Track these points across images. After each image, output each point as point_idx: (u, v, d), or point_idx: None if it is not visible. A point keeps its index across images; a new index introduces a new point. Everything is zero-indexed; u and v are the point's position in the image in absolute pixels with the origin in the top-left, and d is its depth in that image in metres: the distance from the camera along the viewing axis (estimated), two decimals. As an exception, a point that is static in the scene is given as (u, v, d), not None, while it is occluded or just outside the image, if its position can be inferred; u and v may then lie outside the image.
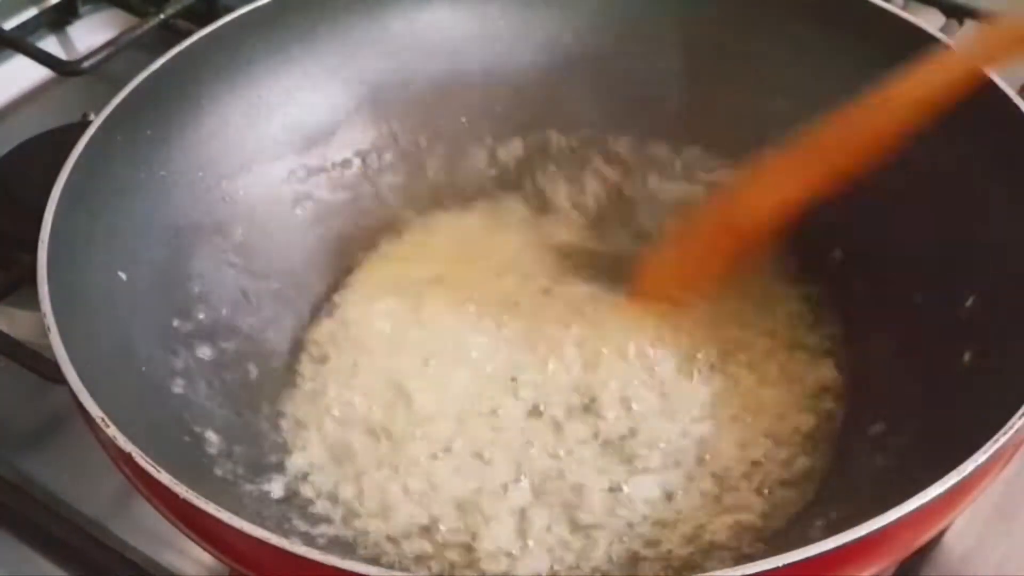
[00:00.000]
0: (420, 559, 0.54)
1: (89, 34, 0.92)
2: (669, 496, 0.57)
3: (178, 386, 0.58)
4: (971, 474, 0.43)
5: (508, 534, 0.55)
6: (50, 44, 0.91)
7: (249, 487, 0.55)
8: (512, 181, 0.72)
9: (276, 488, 0.57)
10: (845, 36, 0.66)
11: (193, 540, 0.46)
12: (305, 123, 0.70)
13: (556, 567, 0.54)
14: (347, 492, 0.57)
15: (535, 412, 0.60)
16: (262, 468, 0.58)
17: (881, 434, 0.57)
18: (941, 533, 0.57)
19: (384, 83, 0.71)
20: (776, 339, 0.64)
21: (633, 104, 0.72)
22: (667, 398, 0.60)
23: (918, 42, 0.62)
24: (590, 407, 0.60)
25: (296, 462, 0.59)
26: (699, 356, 0.62)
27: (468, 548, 0.55)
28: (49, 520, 0.60)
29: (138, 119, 0.61)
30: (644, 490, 0.57)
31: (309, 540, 0.53)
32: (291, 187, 0.69)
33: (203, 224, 0.64)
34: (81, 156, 0.57)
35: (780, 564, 0.40)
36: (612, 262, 0.68)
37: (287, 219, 0.68)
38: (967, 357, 0.55)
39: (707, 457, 0.58)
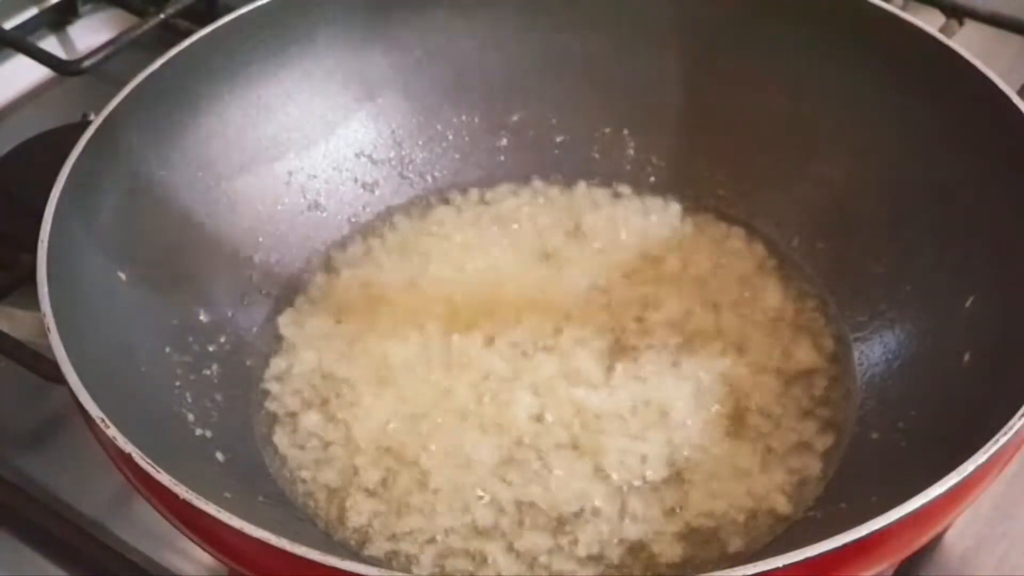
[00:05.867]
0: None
1: (89, 34, 0.92)
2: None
3: (178, 386, 0.58)
4: (971, 474, 0.43)
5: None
6: (50, 44, 0.91)
7: (248, 485, 0.56)
8: (511, 181, 0.73)
9: (273, 485, 0.57)
10: (845, 36, 0.66)
11: (193, 540, 0.46)
12: (304, 123, 0.70)
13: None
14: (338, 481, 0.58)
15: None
16: (262, 466, 0.58)
17: (882, 435, 0.57)
18: (941, 533, 0.57)
19: (383, 83, 0.71)
20: (776, 339, 0.64)
21: (633, 104, 0.72)
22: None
23: (918, 42, 0.63)
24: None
25: (293, 458, 0.59)
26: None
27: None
28: (49, 520, 0.60)
29: (138, 119, 0.61)
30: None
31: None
32: (290, 187, 0.69)
33: (202, 224, 0.64)
34: (81, 156, 0.57)
35: (780, 564, 0.40)
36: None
37: (286, 219, 0.68)
38: (967, 357, 0.55)
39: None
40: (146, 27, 0.82)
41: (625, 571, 0.54)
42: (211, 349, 0.61)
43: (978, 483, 0.45)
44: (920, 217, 0.62)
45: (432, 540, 0.55)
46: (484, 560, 0.55)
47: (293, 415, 0.61)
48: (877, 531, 0.41)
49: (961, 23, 0.83)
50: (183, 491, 0.44)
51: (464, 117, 0.73)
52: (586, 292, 0.66)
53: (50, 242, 0.53)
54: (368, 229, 0.70)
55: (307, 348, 0.64)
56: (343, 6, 0.69)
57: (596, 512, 0.56)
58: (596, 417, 0.60)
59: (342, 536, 0.56)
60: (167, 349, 0.59)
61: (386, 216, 0.71)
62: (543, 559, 0.54)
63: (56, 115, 0.80)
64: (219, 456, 0.56)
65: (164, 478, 0.45)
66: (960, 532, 0.59)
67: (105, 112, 0.60)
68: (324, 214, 0.70)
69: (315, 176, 0.70)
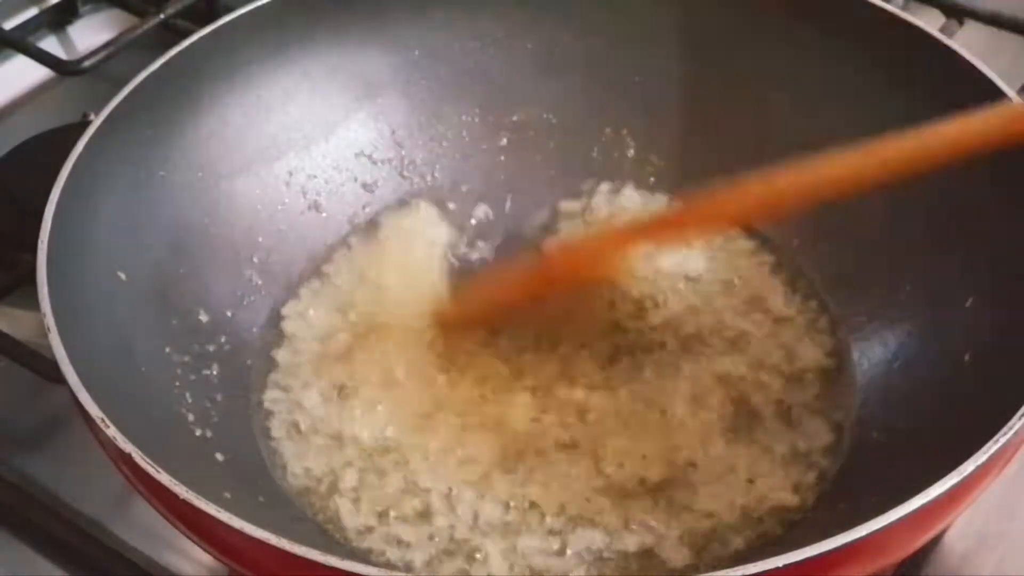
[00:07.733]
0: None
1: (89, 34, 0.92)
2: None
3: (178, 386, 0.58)
4: (971, 474, 0.43)
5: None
6: (50, 44, 0.91)
7: (248, 485, 0.56)
8: (511, 181, 0.73)
9: (273, 485, 0.57)
10: (845, 36, 0.66)
11: (193, 540, 0.46)
12: (304, 123, 0.70)
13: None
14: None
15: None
16: (262, 466, 0.58)
17: (882, 435, 0.57)
18: (941, 533, 0.57)
19: (383, 83, 0.71)
20: (776, 339, 0.64)
21: (633, 104, 0.72)
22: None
23: (918, 42, 0.63)
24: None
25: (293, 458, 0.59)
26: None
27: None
28: (49, 520, 0.60)
29: (138, 119, 0.61)
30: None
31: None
32: (290, 187, 0.69)
33: (202, 224, 0.64)
34: (81, 156, 0.57)
35: (780, 564, 0.40)
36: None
37: (286, 219, 0.68)
38: (967, 357, 0.55)
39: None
40: (146, 27, 0.82)
41: (624, 570, 0.54)
42: (211, 349, 0.61)
43: (978, 483, 0.45)
44: (920, 218, 0.62)
45: (431, 539, 0.55)
46: (483, 560, 0.55)
47: (293, 414, 0.61)
48: (877, 531, 0.41)
49: (961, 23, 0.83)
50: (183, 491, 0.44)
51: (464, 117, 0.73)
52: (586, 292, 0.66)
53: (50, 242, 0.53)
54: (368, 229, 0.70)
55: (307, 348, 0.64)
56: (343, 6, 0.69)
57: (595, 513, 0.56)
58: (596, 417, 0.60)
59: (342, 536, 0.56)
60: (167, 349, 0.59)
61: (386, 216, 0.71)
62: (542, 559, 0.54)
63: (56, 115, 0.80)
64: (219, 456, 0.56)
65: (164, 478, 0.45)
66: (960, 532, 0.59)
67: (105, 112, 0.60)
68: (324, 214, 0.70)
69: (315, 176, 0.70)
